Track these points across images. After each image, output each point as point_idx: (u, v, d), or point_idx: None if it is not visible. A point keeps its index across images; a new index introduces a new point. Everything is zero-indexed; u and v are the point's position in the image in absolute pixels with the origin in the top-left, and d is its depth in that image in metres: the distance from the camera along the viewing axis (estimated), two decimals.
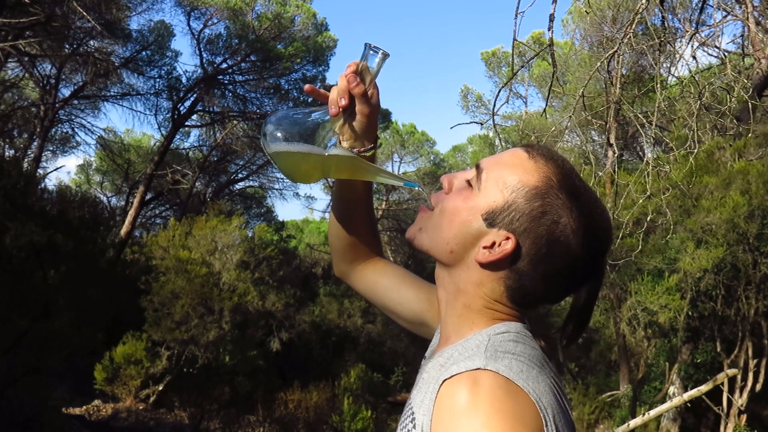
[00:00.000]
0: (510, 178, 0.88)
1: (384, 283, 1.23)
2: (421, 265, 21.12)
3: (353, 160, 1.01)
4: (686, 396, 9.29)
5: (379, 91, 1.03)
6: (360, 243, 1.23)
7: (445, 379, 0.79)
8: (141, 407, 10.19)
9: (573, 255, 0.87)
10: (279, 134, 0.98)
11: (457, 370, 0.79)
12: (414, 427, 0.82)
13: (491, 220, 0.88)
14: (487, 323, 0.90)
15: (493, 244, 0.87)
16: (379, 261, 1.26)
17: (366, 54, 0.99)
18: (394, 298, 1.22)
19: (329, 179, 1.11)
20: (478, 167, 0.92)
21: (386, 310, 1.26)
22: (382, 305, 1.25)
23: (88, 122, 15.30)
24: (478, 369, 0.77)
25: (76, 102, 14.72)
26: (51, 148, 16.49)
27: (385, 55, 0.99)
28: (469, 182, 0.92)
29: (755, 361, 9.68)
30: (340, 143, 1.03)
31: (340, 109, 1.00)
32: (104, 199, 18.16)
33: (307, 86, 1.04)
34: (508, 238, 0.87)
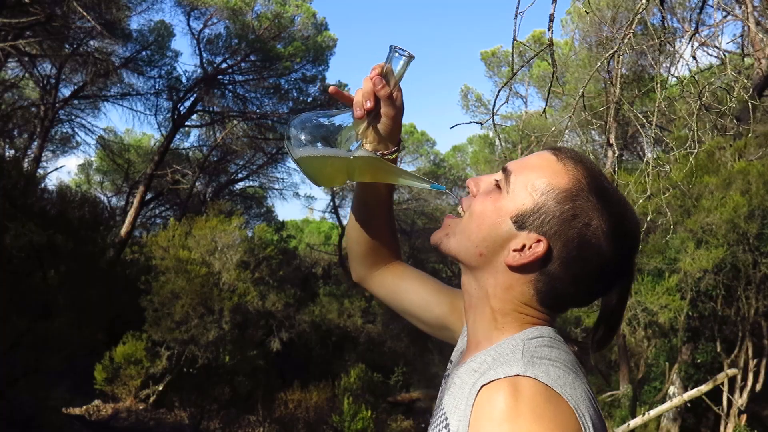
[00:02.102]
0: (539, 181, 0.88)
1: (404, 287, 1.23)
2: (421, 266, 21.13)
3: (378, 162, 1.01)
4: (686, 396, 9.29)
5: (403, 94, 1.03)
6: (381, 246, 1.23)
7: (483, 385, 0.78)
8: (141, 407, 10.19)
9: (604, 257, 0.87)
10: (303, 137, 0.98)
11: (495, 376, 0.78)
12: None
13: (521, 222, 0.87)
14: (518, 327, 0.89)
15: (524, 247, 0.87)
16: (399, 265, 1.27)
17: (391, 56, 0.99)
18: (415, 302, 1.22)
19: (352, 182, 1.11)
20: (505, 170, 0.92)
21: (407, 314, 1.25)
22: (402, 310, 1.24)
23: (88, 122, 15.31)
24: (517, 375, 0.77)
25: (76, 102, 14.72)
26: (51, 148, 16.49)
27: (411, 58, 0.99)
28: (497, 184, 0.91)
29: (755, 361, 9.68)
30: (363, 146, 1.02)
31: (365, 112, 1.00)
32: (104, 199, 18.16)
33: (331, 88, 1.05)
34: (539, 241, 0.86)
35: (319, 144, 0.98)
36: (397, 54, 0.99)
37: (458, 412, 0.82)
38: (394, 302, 1.25)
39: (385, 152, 1.04)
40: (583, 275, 0.87)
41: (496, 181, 0.91)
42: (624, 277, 0.92)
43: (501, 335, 0.89)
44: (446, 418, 0.84)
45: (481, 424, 0.76)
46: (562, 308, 0.92)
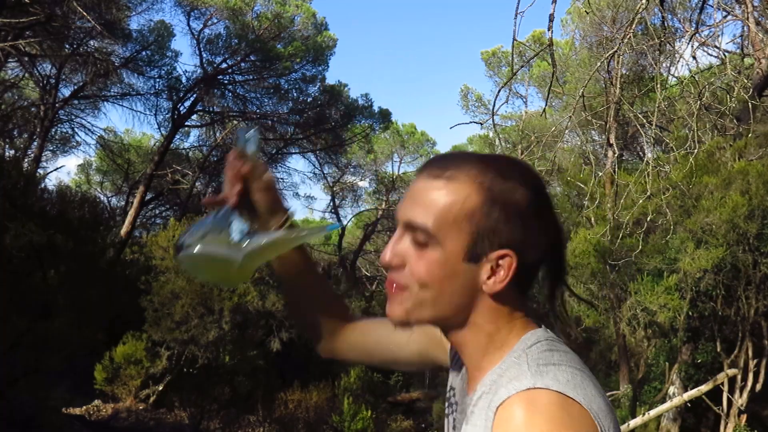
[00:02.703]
0: (454, 215, 0.83)
1: (373, 339, 1.20)
2: None
3: (273, 238, 1.01)
4: (686, 396, 9.29)
5: (266, 165, 1.04)
6: (330, 313, 1.20)
7: (499, 405, 0.79)
8: (141, 407, 10.19)
9: (540, 210, 0.87)
10: (195, 249, 0.95)
11: (507, 394, 0.79)
12: None
13: (474, 256, 0.85)
14: (515, 337, 0.89)
15: (493, 270, 0.85)
16: (356, 323, 1.22)
17: (240, 138, 1.02)
18: (390, 348, 1.18)
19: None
20: (411, 225, 0.86)
21: (388, 363, 1.24)
22: (382, 361, 1.22)
23: (88, 122, 15.32)
24: (529, 389, 0.78)
25: (76, 102, 14.72)
26: (51, 148, 16.50)
27: (256, 133, 1.03)
28: (418, 242, 0.86)
29: (755, 361, 9.68)
30: (254, 230, 1.01)
31: (238, 197, 1.00)
32: (104, 199, 18.17)
33: (204, 200, 1.04)
34: (503, 256, 0.85)
35: (212, 247, 0.96)
36: (243, 135, 1.03)
37: None
38: (371, 357, 1.23)
39: (279, 225, 1.04)
40: (537, 238, 0.87)
41: (417, 241, 0.86)
42: (555, 227, 0.92)
43: (501, 352, 0.89)
44: None
45: None
46: (531, 284, 0.93)
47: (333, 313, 1.21)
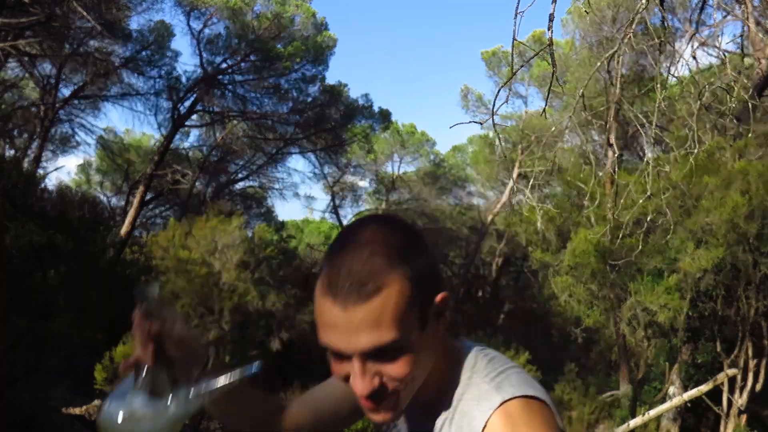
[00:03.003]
0: (401, 312, 0.84)
1: (314, 415, 1.22)
2: None
3: (199, 392, 0.99)
4: (686, 396, 9.30)
5: (175, 318, 1.03)
6: (271, 417, 1.20)
7: (483, 428, 0.86)
8: None
9: (427, 247, 0.93)
10: (119, 419, 0.92)
11: (484, 415, 0.87)
12: None
13: (425, 323, 0.87)
14: (455, 360, 0.95)
15: (439, 315, 0.90)
16: (290, 408, 1.23)
17: (142, 294, 1.03)
18: (331, 407, 1.21)
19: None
20: (376, 350, 0.85)
21: (334, 423, 1.24)
22: (328, 422, 1.23)
23: (88, 122, 15.32)
24: (502, 404, 0.86)
25: (76, 102, 14.72)
26: (51, 148, 16.50)
27: (156, 287, 1.03)
28: (388, 358, 0.86)
29: (755, 361, 9.68)
30: (176, 386, 0.99)
31: (153, 356, 0.98)
32: (104, 199, 18.17)
33: (120, 366, 1.01)
34: (441, 300, 0.90)
35: (139, 413, 0.93)
36: (143, 293, 1.03)
37: None
38: (319, 425, 1.23)
39: (201, 374, 1.02)
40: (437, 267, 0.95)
41: (387, 359, 0.87)
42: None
43: (451, 375, 0.94)
44: None
45: None
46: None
47: (273, 415, 1.21)
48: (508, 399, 0.86)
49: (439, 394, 0.94)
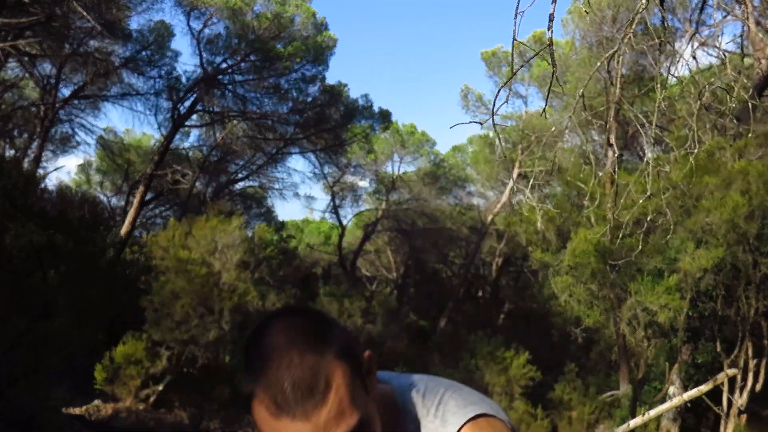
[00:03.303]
0: (351, 395, 0.86)
1: None
2: (421, 266, 21.13)
3: None
4: (686, 396, 9.29)
5: None
6: None
7: None
8: (141, 407, 10.19)
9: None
10: None
11: None
12: None
13: (366, 391, 0.90)
14: (395, 409, 0.98)
15: (369, 373, 0.93)
16: None
17: None
18: None
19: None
20: None
21: None
22: None
23: (88, 122, 15.33)
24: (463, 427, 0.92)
25: (76, 102, 14.72)
26: (51, 148, 16.49)
27: None
28: None
29: (755, 361, 9.68)
30: None
31: None
32: (104, 199, 18.17)
33: None
34: (367, 357, 0.93)
35: None
36: None
37: None
38: None
39: None
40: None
41: None
42: None
43: (394, 416, 0.98)
44: None
45: None
46: None
47: None
48: (469, 423, 0.92)
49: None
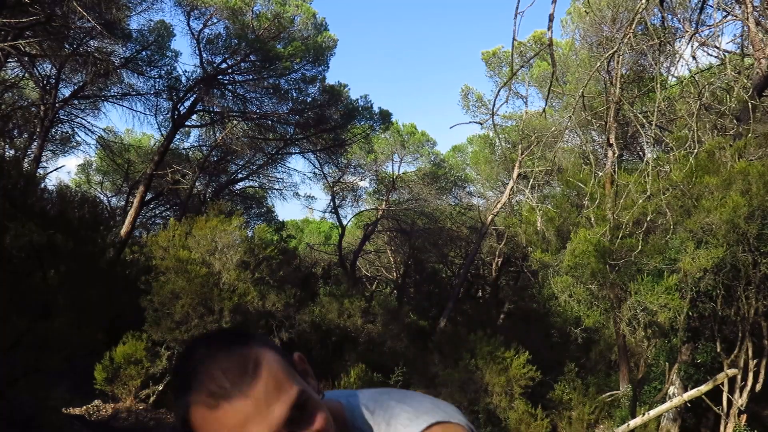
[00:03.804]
0: (285, 370, 0.89)
1: None
2: (421, 266, 21.12)
3: None
4: (686, 396, 9.29)
5: None
6: None
7: None
8: (141, 407, 10.19)
9: None
10: None
11: None
12: None
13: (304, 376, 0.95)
14: (345, 426, 0.99)
15: (306, 374, 0.95)
16: None
17: None
18: None
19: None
20: (294, 407, 0.86)
21: None
22: None
23: (88, 122, 15.33)
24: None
25: (76, 102, 14.72)
26: (51, 148, 16.50)
27: None
28: (297, 409, 0.87)
29: (755, 361, 9.68)
30: None
31: None
32: (104, 199, 18.18)
33: None
34: (294, 360, 0.96)
35: None
36: None
37: None
38: None
39: None
40: None
41: (301, 419, 0.89)
42: None
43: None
44: None
45: None
46: None
47: None
48: (435, 424, 0.91)
49: None
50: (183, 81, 14.43)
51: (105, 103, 14.87)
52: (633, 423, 9.42)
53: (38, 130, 14.17)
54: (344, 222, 20.05)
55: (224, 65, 14.24)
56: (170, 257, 10.53)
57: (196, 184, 16.55)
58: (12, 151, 13.98)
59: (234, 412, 0.81)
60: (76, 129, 15.68)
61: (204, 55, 14.04)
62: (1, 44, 10.02)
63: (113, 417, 9.78)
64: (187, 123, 15.01)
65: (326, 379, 11.94)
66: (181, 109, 14.38)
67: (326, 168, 18.86)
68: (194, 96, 14.37)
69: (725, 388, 9.48)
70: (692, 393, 9.23)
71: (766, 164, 8.45)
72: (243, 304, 10.67)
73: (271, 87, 14.87)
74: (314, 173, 18.85)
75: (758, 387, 9.66)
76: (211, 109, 15.24)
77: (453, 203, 20.97)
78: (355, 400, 0.99)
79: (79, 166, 20.30)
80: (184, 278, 10.13)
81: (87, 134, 15.80)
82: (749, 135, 8.22)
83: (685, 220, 8.56)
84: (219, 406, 0.81)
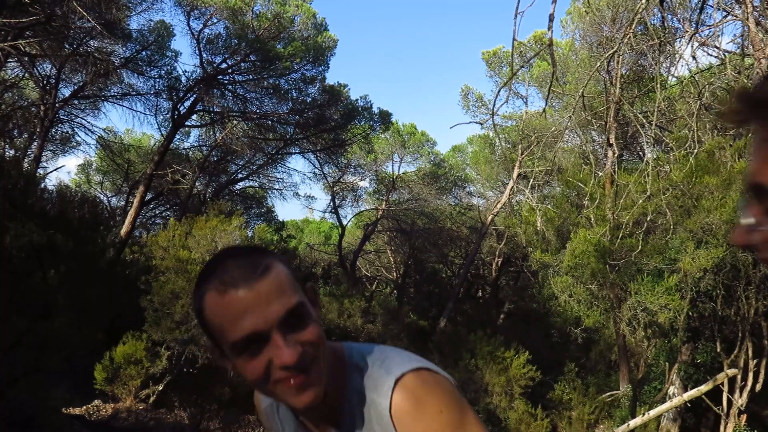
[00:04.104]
0: (291, 282, 0.99)
1: None
2: (421, 266, 21.12)
3: None
4: (686, 396, 9.29)
5: None
6: None
7: (389, 407, 0.98)
8: (141, 407, 10.18)
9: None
10: None
11: (386, 400, 0.99)
12: None
13: (314, 303, 1.04)
14: (343, 364, 1.08)
15: (314, 303, 1.04)
16: None
17: None
18: None
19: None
20: (287, 313, 0.96)
21: None
22: None
23: (88, 122, 15.32)
24: (397, 382, 0.99)
25: (76, 102, 14.72)
26: (51, 148, 16.50)
27: None
28: (298, 324, 0.98)
29: (755, 361, 9.68)
30: None
31: None
32: (104, 199, 18.18)
33: None
34: (306, 288, 1.04)
35: None
36: None
37: None
38: None
39: None
40: None
41: (296, 325, 0.99)
42: None
43: (346, 381, 1.05)
44: None
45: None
46: None
47: None
48: (400, 376, 0.98)
49: (338, 399, 1.04)
50: (183, 81, 14.44)
51: (105, 103, 14.88)
52: (633, 423, 9.42)
53: (38, 130, 14.17)
54: (344, 222, 20.05)
55: (224, 65, 14.24)
56: (170, 257, 10.52)
57: (196, 184, 16.55)
58: (12, 151, 13.98)
59: (238, 300, 0.92)
60: (76, 129, 15.69)
61: (204, 55, 14.05)
62: (1, 44, 10.02)
63: (113, 417, 9.78)
64: (187, 123, 15.01)
65: None
66: (181, 109, 14.39)
67: (326, 168, 18.86)
68: (194, 96, 14.37)
69: (725, 388, 9.48)
70: (692, 393, 9.23)
71: None
72: None
73: (271, 87, 14.87)
74: (314, 173, 18.86)
75: (758, 387, 9.67)
76: (211, 109, 15.25)
77: (453, 203, 20.97)
78: (357, 344, 1.11)
79: (79, 166, 20.33)
80: (184, 278, 10.13)
81: (87, 134, 15.83)
82: (749, 135, 8.20)
83: (685, 220, 8.56)
84: (227, 293, 0.92)
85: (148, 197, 15.67)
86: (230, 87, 14.83)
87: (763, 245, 0.67)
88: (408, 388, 0.98)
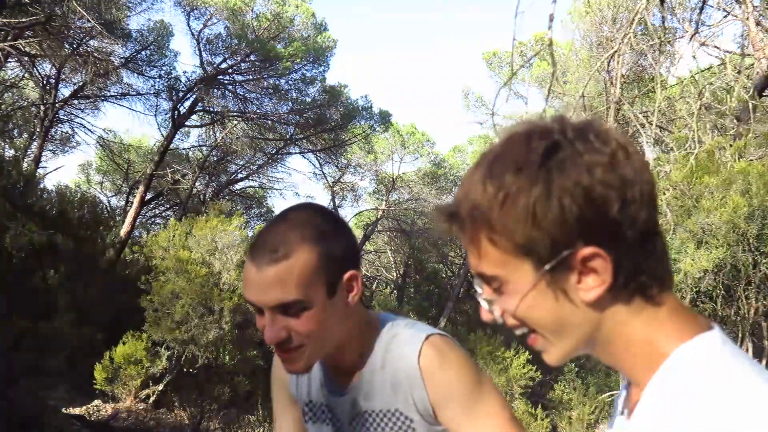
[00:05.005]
0: (307, 277, 1.05)
1: None
2: (421, 266, 21.13)
3: None
4: None
5: None
6: None
7: (418, 362, 1.11)
8: (141, 407, 10.19)
9: (341, 229, 1.16)
10: None
11: (414, 350, 1.11)
12: None
13: (332, 291, 1.09)
14: (374, 329, 1.20)
15: (347, 290, 1.11)
16: None
17: None
18: None
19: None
20: (282, 304, 1.05)
21: None
22: None
23: (88, 122, 15.31)
24: (427, 339, 1.13)
25: (76, 102, 14.72)
26: (51, 148, 16.48)
27: None
28: (293, 313, 1.05)
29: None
30: None
31: None
32: (104, 199, 18.18)
33: None
34: (350, 277, 1.11)
35: None
36: None
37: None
38: None
39: None
40: (350, 248, 1.20)
41: (292, 313, 1.06)
42: None
43: (372, 343, 1.19)
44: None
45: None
46: None
47: None
48: (429, 335, 1.12)
49: (361, 357, 1.14)
50: (183, 81, 14.44)
51: (105, 103, 14.87)
52: None
53: (38, 130, 14.17)
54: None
55: (224, 65, 14.24)
56: (170, 257, 10.52)
57: (196, 184, 16.55)
58: (12, 151, 13.97)
59: (250, 272, 1.03)
60: (76, 129, 15.67)
61: (204, 55, 14.05)
62: (1, 44, 10.02)
63: (113, 417, 9.78)
64: (187, 123, 15.01)
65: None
66: (181, 109, 14.39)
67: (326, 168, 18.87)
68: (194, 96, 14.37)
69: None
70: None
71: (766, 164, 8.45)
72: (243, 304, 10.66)
73: (271, 87, 14.87)
74: (314, 173, 18.86)
75: None
76: (211, 109, 15.25)
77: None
78: (391, 314, 1.21)
79: (79, 166, 20.28)
80: (184, 278, 10.13)
81: (87, 134, 15.79)
82: (749, 135, 8.22)
83: (685, 220, 8.56)
84: (249, 260, 1.04)
85: (148, 197, 15.66)
86: (230, 87, 14.83)
87: (504, 317, 0.76)
88: (436, 344, 1.11)
